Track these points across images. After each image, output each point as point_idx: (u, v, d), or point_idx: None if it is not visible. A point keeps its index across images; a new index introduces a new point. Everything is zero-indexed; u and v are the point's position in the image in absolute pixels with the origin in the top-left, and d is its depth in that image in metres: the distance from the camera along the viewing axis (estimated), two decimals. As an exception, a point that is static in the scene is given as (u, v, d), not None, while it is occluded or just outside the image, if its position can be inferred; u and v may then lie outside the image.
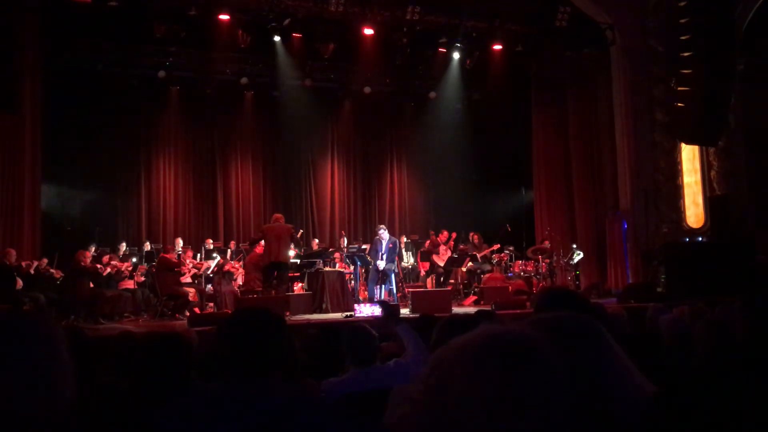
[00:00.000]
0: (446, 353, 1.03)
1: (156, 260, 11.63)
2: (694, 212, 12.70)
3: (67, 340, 1.24)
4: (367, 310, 9.83)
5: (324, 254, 12.65)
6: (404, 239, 14.73)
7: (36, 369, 1.15)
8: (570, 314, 1.29)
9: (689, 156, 12.75)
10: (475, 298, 12.48)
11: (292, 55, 13.73)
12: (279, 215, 11.20)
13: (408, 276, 14.08)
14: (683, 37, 11.07)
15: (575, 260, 13.06)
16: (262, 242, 11.33)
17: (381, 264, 11.03)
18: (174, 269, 11.01)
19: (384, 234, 11.26)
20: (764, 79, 12.85)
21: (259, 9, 12.07)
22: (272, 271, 10.70)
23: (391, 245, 11.13)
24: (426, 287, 13.10)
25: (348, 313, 10.11)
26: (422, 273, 13.93)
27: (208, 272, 11.91)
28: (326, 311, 10.80)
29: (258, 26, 12.50)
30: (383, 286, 11.26)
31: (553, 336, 1.18)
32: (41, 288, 10.16)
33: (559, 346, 1.13)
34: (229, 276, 11.95)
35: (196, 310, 10.79)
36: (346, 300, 11.17)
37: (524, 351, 1.01)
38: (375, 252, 11.24)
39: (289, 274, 11.70)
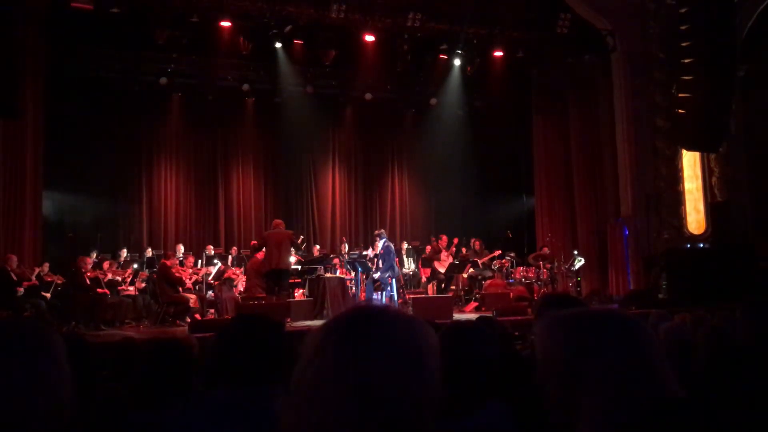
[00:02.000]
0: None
1: (157, 267, 11.62)
2: (695, 218, 12.69)
3: (65, 348, 1.23)
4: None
5: (325, 260, 12.65)
6: (405, 245, 14.73)
7: (33, 377, 1.15)
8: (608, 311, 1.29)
9: (690, 162, 12.76)
10: (476, 304, 12.47)
11: (294, 62, 13.77)
12: (279, 221, 11.18)
13: (409, 282, 14.06)
14: (684, 44, 11.09)
15: (576, 266, 13.04)
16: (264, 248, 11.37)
17: (376, 274, 11.06)
18: (174, 285, 10.94)
19: (379, 241, 11.26)
20: (765, 85, 12.86)
21: (261, 16, 12.09)
22: (273, 277, 10.68)
23: (382, 251, 11.10)
24: (427, 293, 13.09)
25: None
26: (423, 279, 13.91)
27: (209, 278, 11.90)
28: (327, 317, 10.75)
29: (259, 33, 12.53)
30: (384, 292, 11.25)
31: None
32: (42, 294, 10.16)
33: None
34: (230, 282, 11.94)
35: (197, 316, 10.78)
36: (347, 306, 11.11)
37: (364, 322, 1.06)
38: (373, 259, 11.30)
39: (291, 281, 11.69)
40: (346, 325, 1.07)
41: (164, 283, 10.81)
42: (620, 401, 1.13)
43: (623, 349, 1.17)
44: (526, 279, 13.09)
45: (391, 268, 11.21)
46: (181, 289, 11.10)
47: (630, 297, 11.59)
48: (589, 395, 1.14)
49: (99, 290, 10.57)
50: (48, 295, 10.35)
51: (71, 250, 12.20)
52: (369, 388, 0.99)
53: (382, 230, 12.14)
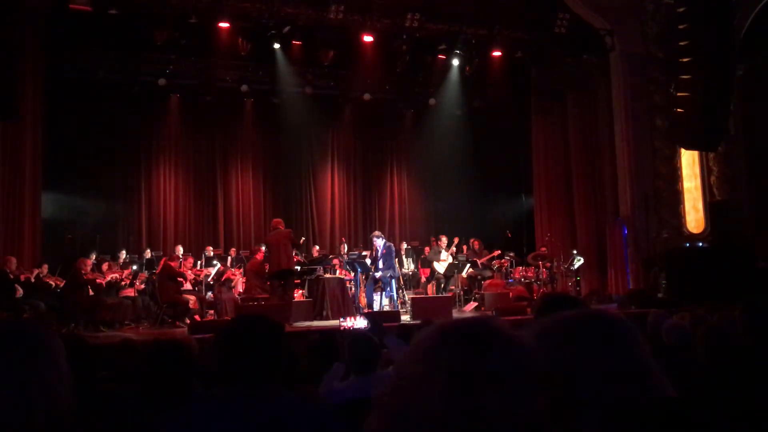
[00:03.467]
0: (406, 353, 1.03)
1: (159, 267, 11.60)
2: (694, 218, 12.69)
3: (65, 349, 1.24)
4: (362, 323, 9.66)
5: (324, 261, 12.65)
6: (404, 246, 14.72)
7: (33, 378, 1.15)
8: (586, 312, 1.28)
9: (689, 161, 12.76)
10: (475, 304, 12.48)
11: (292, 63, 13.76)
12: (277, 220, 11.09)
13: (408, 282, 14.07)
14: (682, 43, 11.09)
15: (576, 266, 13.04)
16: (263, 248, 11.34)
17: (377, 273, 11.05)
18: (177, 278, 10.96)
19: (378, 241, 11.25)
20: (764, 84, 12.87)
21: (259, 16, 12.09)
22: (278, 279, 10.62)
23: (384, 251, 11.10)
24: (426, 294, 13.10)
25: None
26: (423, 279, 13.92)
27: (209, 280, 11.90)
28: (327, 318, 10.79)
29: (258, 34, 12.53)
30: (384, 292, 11.24)
31: (562, 333, 1.19)
32: (41, 296, 10.15)
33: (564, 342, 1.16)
34: (229, 283, 11.94)
35: (197, 317, 10.78)
36: (347, 306, 11.16)
37: (479, 342, 1.01)
38: (372, 259, 11.27)
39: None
40: (468, 334, 1.02)
41: (167, 279, 10.81)
42: (614, 403, 1.13)
43: (613, 351, 1.17)
44: (525, 279, 13.09)
45: (391, 267, 11.21)
46: (181, 288, 11.13)
47: (629, 296, 11.61)
48: (582, 398, 1.14)
49: (98, 280, 10.60)
50: (56, 281, 10.41)
51: (70, 251, 12.18)
52: (479, 402, 0.96)
53: (379, 232, 12.14)
